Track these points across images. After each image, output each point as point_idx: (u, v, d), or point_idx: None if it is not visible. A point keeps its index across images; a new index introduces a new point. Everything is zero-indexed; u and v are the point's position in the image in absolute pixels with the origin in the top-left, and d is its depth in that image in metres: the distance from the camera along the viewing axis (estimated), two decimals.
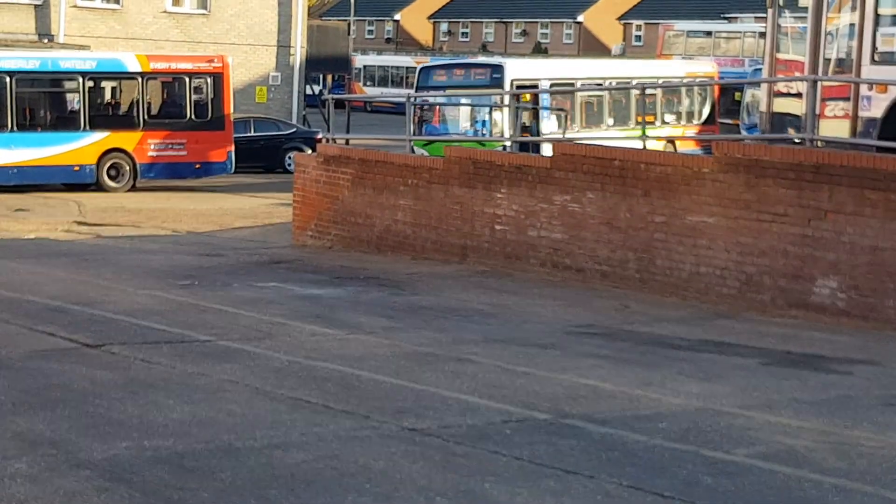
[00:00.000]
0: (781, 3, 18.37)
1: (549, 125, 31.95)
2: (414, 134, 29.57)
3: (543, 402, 10.06)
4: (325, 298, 15.55)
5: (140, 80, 32.71)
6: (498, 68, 32.34)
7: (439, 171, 18.96)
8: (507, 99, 30.30)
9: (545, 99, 31.72)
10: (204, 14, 41.58)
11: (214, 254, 20.30)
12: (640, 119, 32.18)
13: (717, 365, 11.78)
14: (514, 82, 31.38)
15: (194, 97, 33.19)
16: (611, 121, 33.95)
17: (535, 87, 32.08)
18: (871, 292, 14.03)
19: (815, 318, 14.40)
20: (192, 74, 33.23)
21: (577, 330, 13.58)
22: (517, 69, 32.54)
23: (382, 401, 9.99)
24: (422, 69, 33.42)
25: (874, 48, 17.04)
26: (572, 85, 33.10)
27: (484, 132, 31.29)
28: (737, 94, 41.66)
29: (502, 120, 30.26)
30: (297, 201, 21.56)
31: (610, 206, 16.59)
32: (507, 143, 28.54)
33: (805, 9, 17.95)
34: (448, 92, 31.45)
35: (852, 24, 17.31)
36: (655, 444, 8.89)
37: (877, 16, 16.98)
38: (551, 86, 32.65)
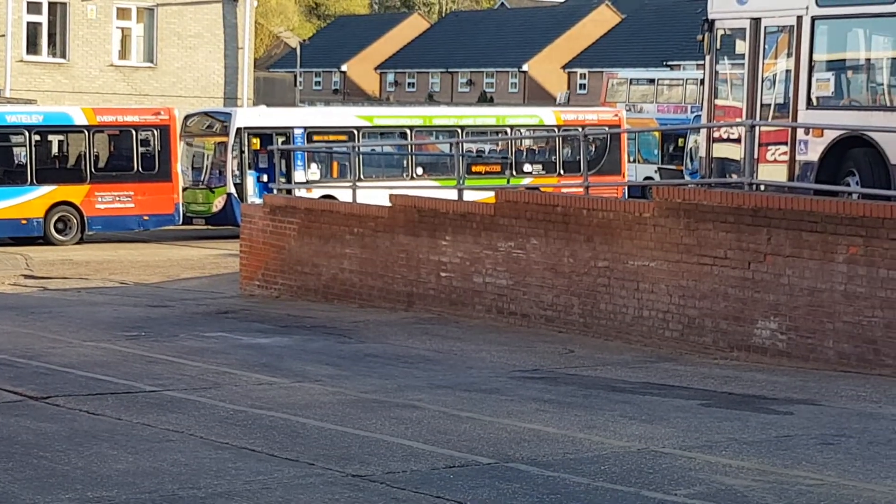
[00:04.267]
0: (719, 49, 18.65)
1: (307, 173, 32.95)
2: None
3: (487, 446, 10.15)
4: (271, 347, 15.61)
5: (87, 133, 32.76)
6: (227, 116, 33.56)
7: (385, 219, 19.09)
8: (231, 146, 32.69)
9: (300, 147, 32.82)
10: (150, 67, 41.64)
11: (161, 305, 20.32)
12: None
13: (659, 407, 11.90)
14: (245, 131, 32.78)
15: (141, 150, 33.27)
16: (420, 170, 34.33)
17: (286, 134, 33.42)
18: (811, 333, 14.22)
19: (756, 360, 14.58)
20: (138, 127, 33.32)
21: (521, 374, 13.70)
22: (246, 118, 33.76)
23: (327, 448, 10.06)
24: (185, 117, 35.03)
25: (810, 93, 17.33)
26: (350, 134, 33.70)
27: (201, 180, 33.94)
28: (680, 141, 42.02)
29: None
30: (244, 251, 21.62)
31: (553, 251, 16.75)
32: (232, 191, 32.12)
33: (742, 55, 18.24)
34: (188, 139, 34.42)
35: (788, 70, 17.60)
36: (597, 486, 8.98)
37: (811, 62, 17.28)
38: (309, 134, 33.40)
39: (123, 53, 41.70)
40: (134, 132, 33.26)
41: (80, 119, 32.78)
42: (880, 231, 13.66)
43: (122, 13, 41.25)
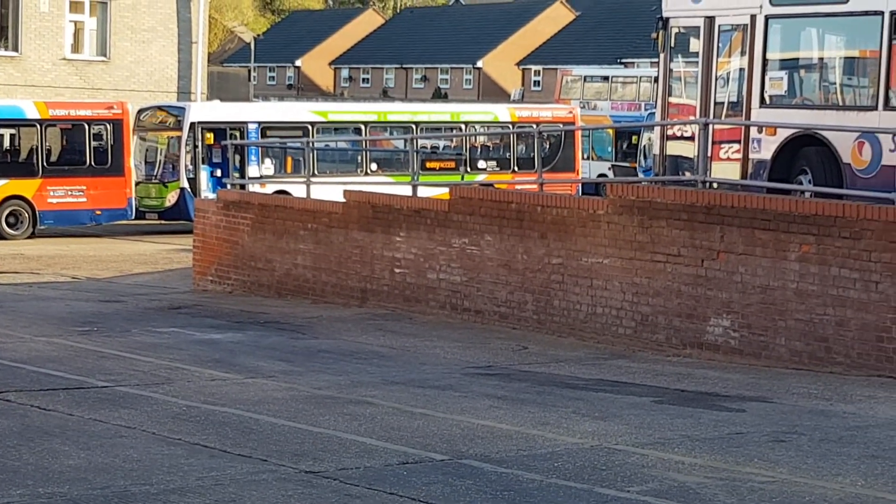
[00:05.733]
0: (673, 47, 18.72)
1: (261, 168, 33.00)
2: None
3: (440, 443, 10.15)
4: (224, 343, 15.55)
5: (39, 127, 32.55)
6: (180, 110, 33.68)
7: (339, 215, 19.05)
8: (184, 140, 32.76)
9: (254, 142, 32.86)
10: (104, 61, 41.39)
11: (114, 300, 20.21)
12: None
13: (612, 404, 11.93)
14: (199, 125, 33.04)
15: (94, 144, 33.09)
16: (374, 166, 34.33)
17: (240, 129, 33.44)
18: (763, 330, 14.29)
19: (709, 357, 14.64)
20: (91, 121, 33.14)
21: (475, 371, 13.70)
22: (200, 113, 33.84)
23: (280, 444, 10.03)
24: (138, 111, 34.95)
25: (763, 92, 17.43)
26: (304, 129, 33.66)
27: (154, 174, 34.04)
28: (634, 138, 42.15)
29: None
30: (198, 246, 21.53)
31: (507, 248, 16.76)
32: (185, 186, 32.22)
33: (696, 53, 18.33)
34: (142, 133, 34.43)
35: (742, 69, 17.71)
36: (551, 483, 8.99)
37: (765, 60, 17.39)
38: (263, 129, 33.38)
39: (76, 47, 41.42)
40: (86, 126, 33.08)
41: (32, 113, 32.57)
42: (832, 229, 13.75)
43: (75, 6, 40.97)
